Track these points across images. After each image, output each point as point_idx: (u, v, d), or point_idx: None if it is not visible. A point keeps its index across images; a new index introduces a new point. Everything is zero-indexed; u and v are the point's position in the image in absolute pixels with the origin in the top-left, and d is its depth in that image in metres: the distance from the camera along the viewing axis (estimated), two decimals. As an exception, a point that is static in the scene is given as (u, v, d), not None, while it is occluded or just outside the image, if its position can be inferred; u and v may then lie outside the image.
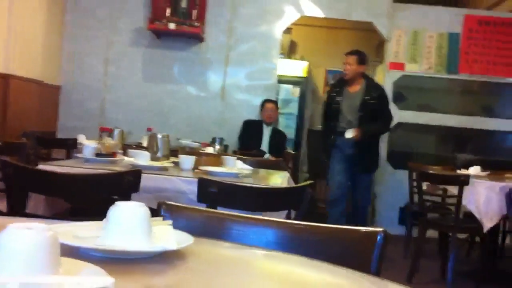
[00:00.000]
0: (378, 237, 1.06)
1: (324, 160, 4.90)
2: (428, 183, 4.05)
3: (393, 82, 5.91)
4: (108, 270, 0.73)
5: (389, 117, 4.91)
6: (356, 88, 4.77)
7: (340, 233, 1.13)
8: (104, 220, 0.97)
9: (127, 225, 0.95)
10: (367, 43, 7.45)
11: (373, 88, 4.80)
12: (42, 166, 2.20)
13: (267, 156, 5.36)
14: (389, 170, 5.88)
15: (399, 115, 5.91)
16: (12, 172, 1.80)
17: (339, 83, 4.99)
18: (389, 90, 5.88)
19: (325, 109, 5.01)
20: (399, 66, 5.91)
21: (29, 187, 1.88)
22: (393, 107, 5.86)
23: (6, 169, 1.81)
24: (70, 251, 0.85)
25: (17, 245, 0.70)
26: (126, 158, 2.73)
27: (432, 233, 4.22)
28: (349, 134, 4.58)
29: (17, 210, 1.88)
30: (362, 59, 4.79)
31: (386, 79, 5.93)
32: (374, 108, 4.69)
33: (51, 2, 5.15)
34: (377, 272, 1.06)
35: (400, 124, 5.93)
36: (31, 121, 4.74)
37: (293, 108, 6.77)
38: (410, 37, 5.88)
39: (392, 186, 5.80)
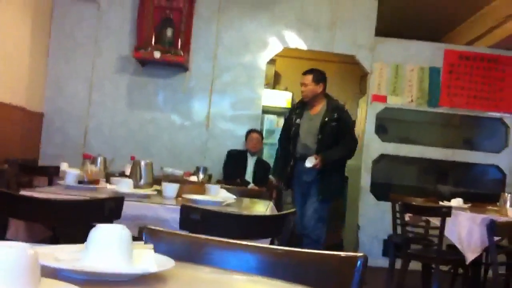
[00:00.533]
0: (358, 262, 1.07)
1: (283, 189, 4.73)
2: (410, 214, 4.07)
3: (376, 114, 5.99)
4: (87, 291, 0.73)
5: (352, 140, 4.50)
6: (317, 109, 4.47)
7: (320, 258, 1.14)
8: (85, 243, 0.97)
9: (108, 247, 0.95)
10: (350, 75, 7.59)
11: (334, 109, 4.43)
12: (23, 192, 2.18)
13: (251, 186, 5.36)
14: (372, 202, 5.91)
15: (381, 147, 5.97)
16: (-8, 197, 1.78)
17: (299, 105, 4.70)
18: (371, 122, 5.97)
19: (282, 133, 4.77)
20: (381, 98, 6.00)
21: (9, 213, 1.86)
22: (375, 139, 5.95)
23: (-14, 194, 1.80)
24: (50, 273, 0.84)
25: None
26: (108, 186, 2.72)
27: (415, 265, 4.21)
28: (309, 163, 4.23)
29: (-4, 235, 1.86)
30: (318, 77, 4.52)
31: (369, 111, 6.00)
32: (335, 131, 4.35)
33: (36, 27, 5.16)
34: (358, 298, 1.06)
35: (382, 156, 6.00)
36: (13, 148, 4.70)
37: (277, 139, 6.80)
38: (391, 70, 5.99)
39: (375, 217, 5.81)
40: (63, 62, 5.76)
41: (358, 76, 7.41)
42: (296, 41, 5.97)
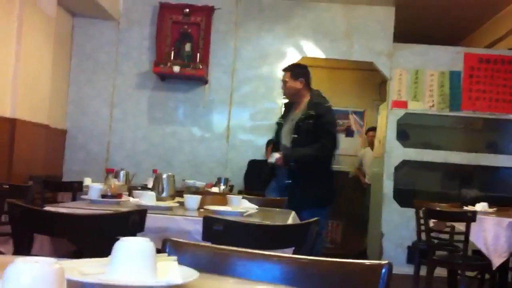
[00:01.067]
0: (383, 270, 1.06)
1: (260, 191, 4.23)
2: (435, 220, 4.03)
3: (397, 120, 5.95)
4: (113, 304, 0.73)
5: (329, 140, 3.90)
6: (300, 108, 4.05)
7: (344, 266, 1.13)
8: (110, 256, 0.97)
9: (133, 260, 0.95)
10: (369, 82, 7.56)
11: (313, 106, 3.95)
12: (48, 208, 2.21)
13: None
14: (395, 208, 5.86)
15: (403, 153, 5.93)
16: (19, 214, 1.81)
17: (286, 106, 4.41)
18: (392, 128, 5.93)
19: (273, 138, 4.49)
20: (402, 104, 5.96)
21: (35, 229, 1.89)
22: (397, 145, 5.91)
23: (12, 211, 1.83)
24: (76, 287, 0.85)
25: (24, 278, 0.71)
26: (131, 199, 2.74)
27: (440, 271, 4.16)
28: (272, 158, 3.90)
29: (22, 251, 1.88)
30: (296, 73, 4.07)
31: (389, 117, 5.97)
32: (311, 130, 3.86)
33: (57, 47, 5.27)
34: (384, 306, 1.05)
35: (405, 162, 5.95)
36: (37, 164, 4.77)
37: (298, 148, 6.80)
38: (411, 76, 5.96)
39: (399, 224, 5.77)
40: (85, 80, 5.87)
41: (377, 82, 7.39)
42: (313, 51, 5.98)
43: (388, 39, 5.93)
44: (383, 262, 1.08)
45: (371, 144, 7.01)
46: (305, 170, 3.85)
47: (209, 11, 5.78)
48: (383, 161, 5.97)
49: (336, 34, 5.94)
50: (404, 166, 5.98)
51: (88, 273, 0.95)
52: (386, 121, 6.00)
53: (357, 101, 7.86)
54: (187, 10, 5.69)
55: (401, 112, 5.97)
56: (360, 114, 7.92)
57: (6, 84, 4.34)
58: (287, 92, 4.12)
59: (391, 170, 5.91)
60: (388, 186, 5.89)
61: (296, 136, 3.91)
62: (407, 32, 6.20)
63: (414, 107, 5.96)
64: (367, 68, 6.54)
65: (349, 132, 7.82)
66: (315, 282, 1.12)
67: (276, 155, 3.87)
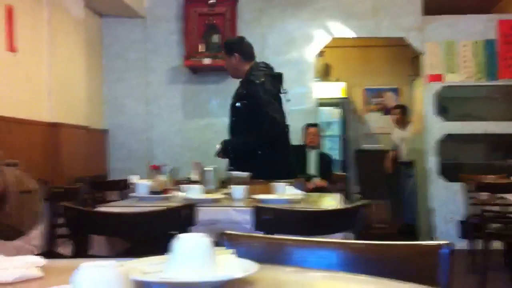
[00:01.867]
0: (443, 251, 1.05)
1: None
2: (484, 193, 3.94)
3: (434, 95, 5.84)
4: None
5: (266, 123, 3.40)
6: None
7: (402, 249, 1.12)
8: (168, 253, 0.99)
9: (192, 256, 0.96)
10: (401, 58, 7.42)
11: (245, 84, 3.54)
12: (100, 208, 2.26)
13: (314, 180, 5.33)
14: (441, 183, 5.78)
15: (443, 127, 5.82)
16: (74, 216, 1.86)
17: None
18: (430, 103, 5.83)
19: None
20: (437, 77, 5.84)
21: (90, 230, 1.94)
22: (437, 120, 5.80)
23: (68, 214, 1.88)
24: (138, 287, 0.87)
25: (91, 283, 0.72)
26: (179, 194, 2.77)
27: (496, 244, 4.07)
28: (215, 152, 3.60)
29: (81, 252, 1.94)
30: (229, 48, 3.69)
31: (425, 92, 5.86)
32: (244, 111, 3.50)
33: (88, 49, 5.35)
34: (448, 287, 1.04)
35: (447, 136, 5.84)
36: (82, 166, 4.88)
37: (335, 130, 6.76)
38: (444, 48, 5.83)
39: (447, 199, 5.69)
40: (117, 79, 5.94)
41: (409, 58, 7.24)
42: (342, 31, 5.90)
43: (417, 12, 5.80)
44: (442, 242, 1.06)
45: (397, 123, 6.92)
46: (248, 158, 3.46)
47: (233, 0, 5.76)
48: (423, 137, 5.87)
49: (363, 12, 5.84)
50: (446, 140, 5.88)
51: (148, 272, 0.97)
52: (423, 96, 5.89)
53: (390, 78, 7.73)
54: (212, 1, 5.69)
55: (437, 85, 5.85)
56: (395, 91, 7.79)
57: (42, 90, 4.44)
58: (228, 70, 3.77)
59: (433, 146, 5.81)
60: (432, 161, 5.81)
61: (234, 119, 3.59)
62: (436, 3, 6.04)
63: (450, 79, 5.84)
64: (398, 44, 6.42)
65: (386, 110, 7.70)
66: (373, 267, 1.11)
67: (217, 147, 3.55)
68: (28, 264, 0.98)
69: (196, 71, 5.86)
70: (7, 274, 0.93)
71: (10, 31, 3.92)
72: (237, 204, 2.50)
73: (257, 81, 3.47)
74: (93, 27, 5.70)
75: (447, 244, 1.05)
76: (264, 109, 3.38)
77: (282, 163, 3.47)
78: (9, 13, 3.92)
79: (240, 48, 3.66)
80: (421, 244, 1.10)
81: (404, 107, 7.06)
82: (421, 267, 1.08)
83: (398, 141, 6.91)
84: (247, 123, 3.46)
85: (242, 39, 3.85)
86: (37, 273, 0.97)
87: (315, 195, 3.07)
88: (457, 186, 5.35)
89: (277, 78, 3.69)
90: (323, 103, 6.49)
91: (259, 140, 3.46)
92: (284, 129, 3.53)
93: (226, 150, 3.51)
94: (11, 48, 3.95)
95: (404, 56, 7.29)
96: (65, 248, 2.91)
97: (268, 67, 3.71)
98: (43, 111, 4.43)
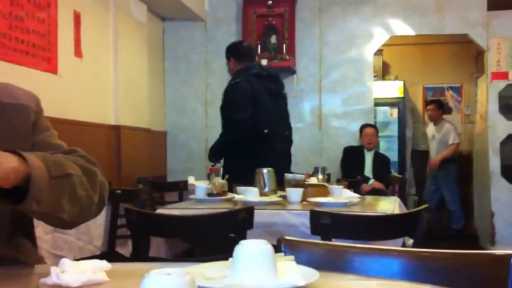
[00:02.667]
0: (514, 260, 1.01)
1: None
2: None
3: (498, 93, 5.63)
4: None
5: (227, 122, 3.55)
6: None
7: (469, 258, 1.08)
8: (230, 259, 1.00)
9: (254, 263, 0.97)
10: (464, 55, 7.20)
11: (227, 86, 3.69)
12: (160, 211, 2.31)
13: (371, 182, 5.26)
14: (504, 185, 5.56)
15: (508, 126, 5.61)
16: (135, 218, 1.91)
17: None
18: (494, 102, 5.62)
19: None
20: (502, 75, 5.62)
21: (151, 231, 1.99)
22: (501, 119, 5.59)
23: (129, 216, 1.93)
24: (202, 292, 0.88)
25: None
26: (236, 196, 2.80)
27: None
28: None
29: (141, 254, 1.99)
30: (226, 52, 3.87)
31: (490, 90, 5.66)
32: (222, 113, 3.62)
33: (151, 52, 5.48)
34: (516, 298, 1.00)
35: (511, 136, 5.62)
36: (143, 167, 5.00)
37: (393, 130, 6.63)
38: (510, 44, 5.60)
39: (510, 202, 5.48)
40: (179, 82, 6.05)
41: (473, 55, 7.00)
42: (403, 28, 5.77)
43: (482, 7, 5.59)
44: (511, 251, 1.02)
45: (431, 119, 6.79)
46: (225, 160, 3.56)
47: (292, 0, 5.75)
48: (486, 137, 5.67)
49: (426, 8, 5.69)
50: (510, 141, 5.65)
51: (212, 278, 0.98)
52: (487, 95, 5.69)
53: (453, 76, 7.51)
54: (270, 2, 5.70)
55: (502, 84, 5.63)
56: (457, 90, 7.56)
57: (108, 93, 4.58)
58: (230, 73, 3.87)
59: (496, 146, 5.60)
60: (494, 162, 5.59)
61: (223, 121, 3.65)
62: (503, -2, 5.82)
63: (516, 77, 5.61)
64: (462, 41, 6.23)
65: (446, 109, 7.49)
66: (438, 276, 1.08)
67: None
68: (96, 269, 1.01)
69: (253, 72, 5.88)
70: (74, 278, 0.97)
71: (78, 37, 4.06)
72: (293, 207, 2.50)
73: (232, 82, 3.59)
74: (156, 30, 5.84)
75: (518, 254, 1.01)
76: (225, 109, 3.53)
77: (261, 165, 3.22)
78: (77, 19, 4.07)
79: (235, 52, 3.78)
80: (489, 253, 1.06)
81: (440, 101, 6.88)
82: (490, 277, 1.05)
83: (430, 137, 6.78)
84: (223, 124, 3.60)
85: (240, 42, 3.95)
86: (104, 277, 1.00)
87: (371, 197, 3.02)
88: (522, 188, 5.16)
89: (268, 78, 3.71)
90: (380, 102, 6.38)
91: (226, 141, 3.55)
92: (252, 129, 3.47)
93: (209, 153, 3.64)
94: (79, 53, 4.10)
95: (467, 53, 7.07)
96: (124, 248, 2.99)
97: (261, 68, 3.77)
98: (109, 114, 4.57)
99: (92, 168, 1.25)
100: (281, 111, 3.77)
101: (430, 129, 6.89)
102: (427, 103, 7.21)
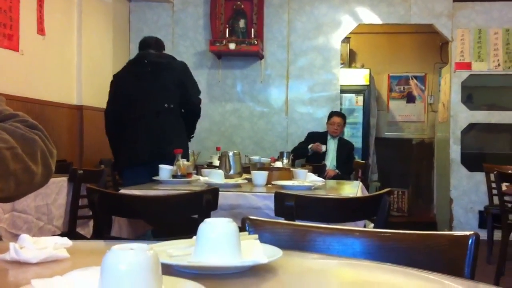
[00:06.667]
0: (470, 241, 1.04)
1: None
2: (507, 183, 3.89)
3: (461, 83, 5.75)
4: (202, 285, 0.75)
5: None
6: None
7: (428, 239, 1.11)
8: (194, 237, 0.99)
9: (218, 241, 0.97)
10: (429, 45, 7.31)
11: None
12: (123, 191, 2.29)
13: (327, 169, 5.25)
14: (463, 173, 5.71)
15: (469, 115, 5.74)
16: (97, 198, 1.88)
17: None
18: (457, 91, 5.75)
19: None
20: (465, 66, 5.74)
21: (113, 212, 1.96)
22: (463, 109, 5.73)
23: (91, 196, 1.90)
24: (163, 269, 0.87)
25: (122, 266, 0.72)
26: (201, 178, 2.79)
27: (515, 236, 4.03)
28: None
29: (102, 234, 1.96)
30: None
31: (453, 80, 5.77)
32: None
33: (116, 33, 5.38)
34: (471, 278, 1.03)
35: (471, 125, 5.76)
36: (105, 148, 4.91)
37: (358, 117, 6.70)
38: (474, 36, 5.71)
39: (469, 189, 5.63)
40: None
41: (438, 45, 7.12)
42: (370, 17, 5.82)
43: (448, -2, 5.69)
44: (468, 233, 1.05)
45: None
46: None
47: (261, -15, 5.72)
48: (448, 125, 5.80)
49: (393, -3, 5.75)
50: (471, 130, 5.80)
51: (175, 255, 0.98)
52: (450, 84, 5.80)
53: (417, 66, 7.62)
54: (239, -16, 5.66)
55: (465, 74, 5.75)
56: (421, 79, 7.69)
57: (71, 73, 4.49)
58: None
59: (457, 135, 5.74)
60: (455, 150, 5.73)
61: None
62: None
63: (479, 68, 5.73)
64: (427, 31, 6.32)
65: (410, 98, 7.61)
66: (398, 255, 1.11)
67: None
68: (57, 245, 0.99)
69: (221, 56, 5.85)
70: (33, 254, 0.95)
71: (41, 14, 3.95)
72: (258, 190, 2.51)
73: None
74: (121, 11, 5.72)
75: (473, 234, 1.04)
76: None
77: (124, 150, 3.77)
78: (40, -4, 3.96)
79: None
80: (447, 234, 1.09)
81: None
82: (448, 258, 1.07)
83: None
84: None
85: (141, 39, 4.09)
86: (65, 254, 0.98)
87: (335, 182, 3.06)
88: (479, 176, 5.29)
89: (135, 63, 3.89)
90: (346, 90, 6.44)
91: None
92: (116, 117, 3.82)
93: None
94: (41, 31, 3.99)
95: (433, 44, 7.18)
96: (85, 229, 2.95)
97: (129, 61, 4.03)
98: (71, 94, 4.48)
99: (31, 136, 1.15)
100: (146, 90, 3.78)
101: None
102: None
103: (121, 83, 3.81)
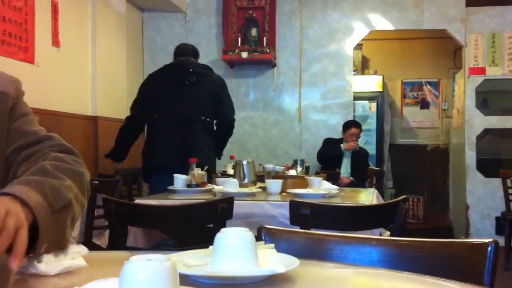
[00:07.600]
0: (489, 248, 1.03)
1: None
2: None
3: (475, 88, 5.71)
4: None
5: None
6: None
7: (446, 247, 1.10)
8: (210, 247, 0.99)
9: (235, 250, 0.96)
10: (442, 50, 7.28)
11: None
12: (138, 201, 2.30)
13: (342, 177, 5.21)
14: (479, 179, 5.65)
15: (484, 121, 5.69)
16: (113, 208, 1.89)
17: None
18: (471, 96, 5.72)
19: None
20: (479, 71, 5.70)
21: (129, 221, 1.97)
22: (477, 114, 5.69)
23: (107, 206, 1.91)
24: (181, 280, 0.87)
25: (140, 276, 0.73)
26: (215, 187, 2.80)
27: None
28: None
29: (118, 244, 1.97)
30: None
31: (467, 85, 5.73)
32: None
33: (130, 44, 5.42)
34: (491, 286, 1.02)
35: (487, 131, 5.71)
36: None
37: (371, 124, 6.68)
38: (488, 40, 5.68)
39: (485, 195, 5.57)
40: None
41: (451, 50, 7.09)
42: (382, 23, 5.81)
43: (460, 3, 5.66)
44: (487, 240, 1.04)
45: None
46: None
47: (273, -7, 5.74)
48: (463, 131, 5.76)
49: (405, 3, 5.74)
50: (486, 135, 5.74)
51: (192, 265, 0.98)
52: (464, 90, 5.76)
53: (431, 71, 7.59)
54: (251, -8, 5.69)
55: (479, 79, 5.71)
56: (435, 84, 7.64)
57: (86, 84, 4.52)
58: None
59: (472, 140, 5.69)
60: (470, 156, 5.68)
61: None
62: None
63: (493, 72, 5.69)
64: (440, 36, 6.30)
65: (424, 104, 7.57)
66: (416, 264, 1.10)
67: None
68: (73, 254, 1.00)
69: (234, 65, 5.87)
70: (51, 266, 0.95)
71: (55, 26, 4.00)
72: (272, 198, 2.51)
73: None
74: (135, 21, 5.77)
75: (493, 242, 1.02)
76: None
77: (147, 152, 3.94)
78: (55, 8, 4.01)
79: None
80: (466, 241, 1.08)
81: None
82: (467, 265, 1.06)
83: None
84: None
85: (178, 45, 4.24)
86: (82, 262, 0.99)
87: (349, 189, 3.05)
88: (495, 182, 5.24)
89: (174, 67, 3.96)
90: (359, 96, 6.42)
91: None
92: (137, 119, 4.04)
93: None
94: (56, 43, 4.04)
95: (446, 49, 7.15)
96: (100, 239, 2.96)
97: (171, 64, 4.03)
98: (86, 104, 4.52)
99: (79, 170, 1.12)
100: (186, 97, 3.83)
101: None
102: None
103: (159, 83, 3.88)
